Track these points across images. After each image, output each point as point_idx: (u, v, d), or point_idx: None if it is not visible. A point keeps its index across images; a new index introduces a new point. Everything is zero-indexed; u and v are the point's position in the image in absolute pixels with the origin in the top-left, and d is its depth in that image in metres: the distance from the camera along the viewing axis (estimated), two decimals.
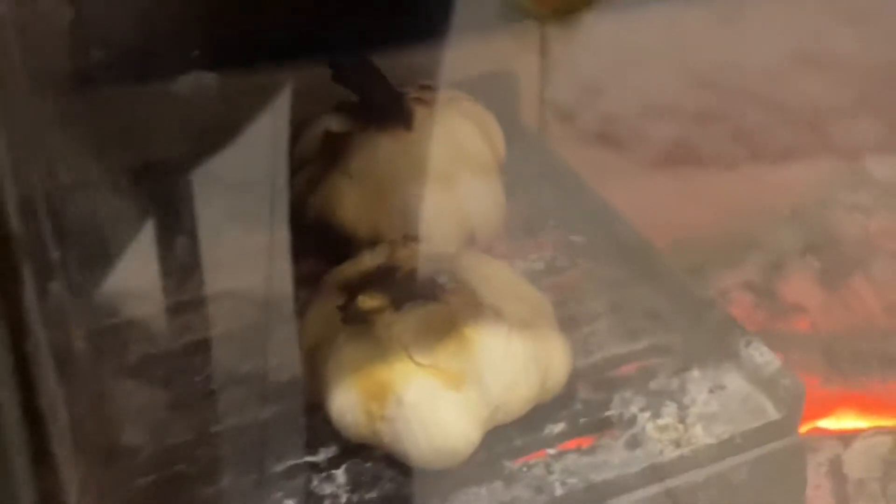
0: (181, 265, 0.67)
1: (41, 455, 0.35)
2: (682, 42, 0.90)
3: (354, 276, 0.58)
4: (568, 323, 0.63)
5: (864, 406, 0.73)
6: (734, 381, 0.59)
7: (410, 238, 0.60)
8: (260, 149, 0.69)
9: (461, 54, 0.77)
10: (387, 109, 0.66)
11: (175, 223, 0.66)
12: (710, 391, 0.59)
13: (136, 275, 0.64)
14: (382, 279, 0.57)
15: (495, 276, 0.58)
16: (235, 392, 0.61)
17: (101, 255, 0.63)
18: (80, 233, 0.62)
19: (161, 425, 0.60)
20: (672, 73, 0.92)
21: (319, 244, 0.66)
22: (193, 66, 0.79)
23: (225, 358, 0.63)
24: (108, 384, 0.62)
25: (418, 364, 0.54)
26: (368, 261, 0.58)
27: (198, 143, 0.69)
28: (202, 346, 0.64)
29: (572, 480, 0.55)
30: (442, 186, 0.66)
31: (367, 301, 0.55)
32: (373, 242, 0.63)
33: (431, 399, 0.53)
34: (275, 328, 0.63)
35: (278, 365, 0.62)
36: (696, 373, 0.60)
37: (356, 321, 0.55)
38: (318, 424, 0.58)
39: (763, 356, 0.59)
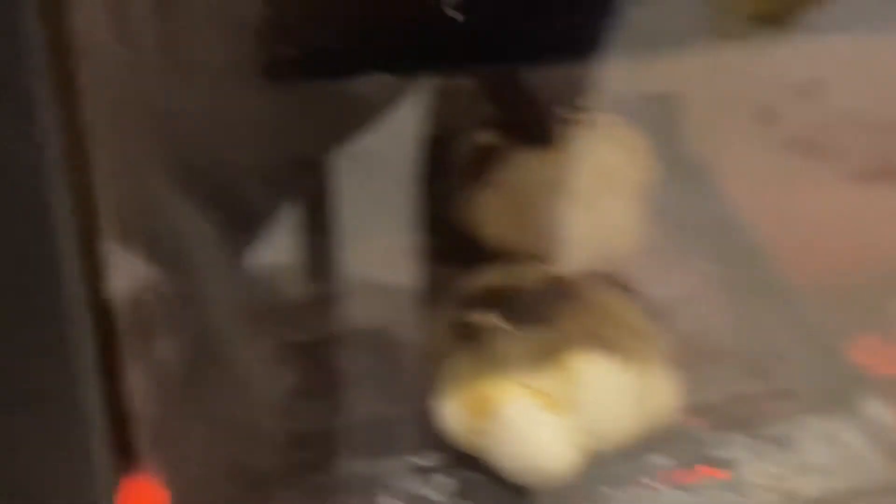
0: (327, 258, 0.71)
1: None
2: None
3: (478, 292, 0.60)
4: (695, 356, 0.64)
5: None
6: (847, 435, 0.59)
7: (541, 259, 0.62)
8: (411, 151, 0.72)
9: (624, 74, 0.78)
10: (532, 127, 0.68)
11: (322, 217, 0.70)
12: (822, 442, 0.58)
13: (282, 264, 0.69)
14: (501, 299, 0.59)
15: (612, 307, 0.59)
16: (366, 387, 0.65)
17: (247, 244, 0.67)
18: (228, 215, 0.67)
19: (293, 411, 0.64)
20: (889, 86, 0.89)
21: (460, 251, 0.68)
22: (373, 67, 0.82)
23: (361, 352, 0.67)
24: (251, 366, 0.66)
25: (521, 385, 0.56)
26: (494, 278, 0.61)
27: (354, 140, 0.73)
28: (343, 339, 0.68)
29: None
30: (581, 207, 0.67)
31: (482, 320, 0.57)
32: (509, 254, 0.65)
33: (528, 419, 0.55)
34: (408, 328, 0.66)
35: (408, 365, 0.65)
36: (812, 420, 0.60)
37: (470, 338, 0.58)
38: (435, 428, 0.61)
39: (879, 411, 0.58)
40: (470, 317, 0.58)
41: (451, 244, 0.69)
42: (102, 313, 0.40)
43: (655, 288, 0.69)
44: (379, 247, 0.70)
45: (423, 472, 0.60)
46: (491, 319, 0.57)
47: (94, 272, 0.39)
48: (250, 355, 0.65)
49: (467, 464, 0.59)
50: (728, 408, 0.61)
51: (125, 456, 0.44)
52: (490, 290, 0.60)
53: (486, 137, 0.70)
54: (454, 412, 0.57)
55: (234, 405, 0.65)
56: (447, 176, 0.71)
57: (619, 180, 0.68)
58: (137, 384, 0.44)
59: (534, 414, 0.55)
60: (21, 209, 0.35)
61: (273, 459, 0.61)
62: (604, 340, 0.56)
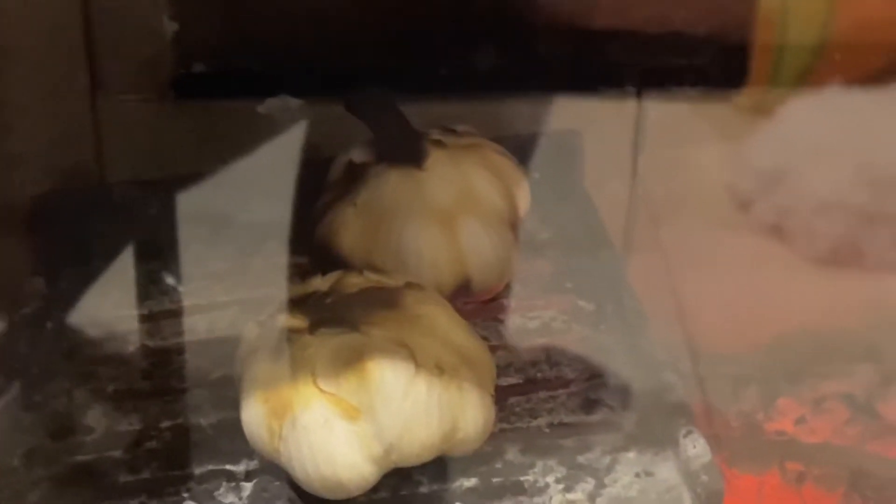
0: (197, 273, 0.71)
1: None
2: (868, 137, 0.88)
3: (297, 297, 0.59)
4: (529, 385, 0.62)
5: None
6: (665, 470, 0.56)
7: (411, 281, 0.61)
8: (289, 172, 0.71)
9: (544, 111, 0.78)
10: (398, 145, 0.67)
11: (192, 235, 0.70)
12: (637, 475, 0.56)
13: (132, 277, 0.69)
14: (313, 302, 0.58)
15: (435, 319, 0.57)
16: (198, 394, 0.63)
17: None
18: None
19: (122, 412, 0.63)
20: (852, 169, 0.89)
21: (321, 269, 0.67)
22: (281, 89, 0.83)
23: (203, 362, 0.66)
24: (94, 367, 0.66)
25: (320, 390, 0.54)
26: (317, 284, 0.59)
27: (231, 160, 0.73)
28: (189, 348, 0.67)
29: None
30: (442, 228, 0.66)
31: (285, 322, 0.56)
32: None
33: (324, 426, 0.53)
34: None
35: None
36: (631, 454, 0.57)
37: (277, 341, 0.56)
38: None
39: (696, 448, 0.55)
40: (274, 319, 0.56)
41: (315, 263, 0.69)
42: None
43: (514, 316, 0.68)
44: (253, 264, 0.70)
45: (232, 477, 0.58)
46: (293, 320, 0.56)
47: None
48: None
49: (277, 472, 0.58)
50: (550, 435, 0.59)
51: None
52: (306, 294, 0.59)
53: (360, 155, 0.70)
54: (254, 416, 0.55)
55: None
56: (319, 195, 0.71)
57: (484, 206, 0.67)
58: None
59: (329, 420, 0.54)
60: None
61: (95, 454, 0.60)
62: (408, 349, 0.54)
